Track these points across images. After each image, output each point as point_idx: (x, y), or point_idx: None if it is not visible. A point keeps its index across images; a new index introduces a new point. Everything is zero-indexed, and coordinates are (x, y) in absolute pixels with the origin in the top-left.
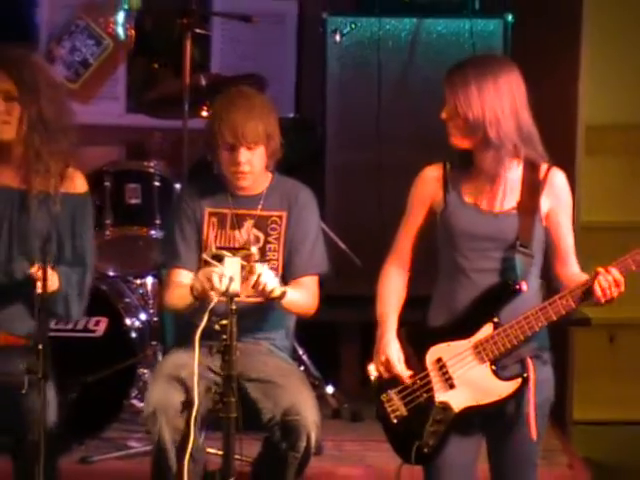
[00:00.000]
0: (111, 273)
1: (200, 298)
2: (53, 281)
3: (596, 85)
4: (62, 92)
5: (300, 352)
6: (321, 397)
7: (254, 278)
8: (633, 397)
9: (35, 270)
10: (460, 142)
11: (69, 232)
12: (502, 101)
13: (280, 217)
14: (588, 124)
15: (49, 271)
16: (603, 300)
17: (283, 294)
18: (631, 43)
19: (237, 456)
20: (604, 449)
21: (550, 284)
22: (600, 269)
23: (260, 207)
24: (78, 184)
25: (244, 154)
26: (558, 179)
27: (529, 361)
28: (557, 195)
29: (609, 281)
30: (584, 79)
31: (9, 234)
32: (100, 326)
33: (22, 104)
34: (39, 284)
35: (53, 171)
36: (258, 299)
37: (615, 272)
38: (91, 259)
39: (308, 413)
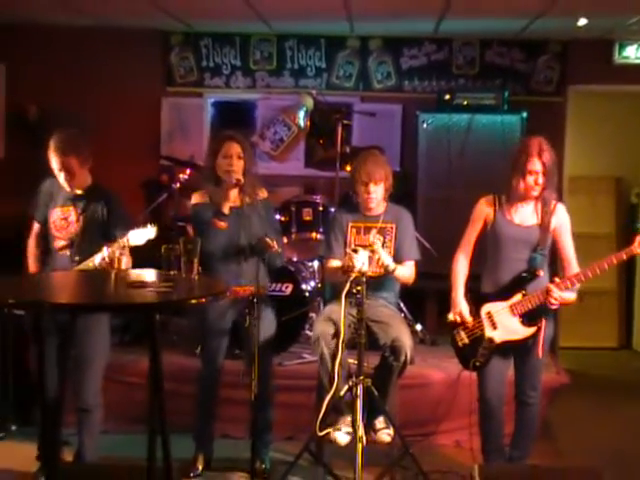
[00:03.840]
0: (295, 259)
1: (345, 273)
2: (277, 246)
3: (573, 154)
4: (254, 154)
5: (402, 305)
6: (413, 331)
7: (376, 256)
8: (593, 334)
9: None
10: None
11: (266, 219)
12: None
13: (392, 227)
14: (569, 175)
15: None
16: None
17: (394, 269)
18: (595, 130)
19: (365, 364)
20: (577, 363)
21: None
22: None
23: (380, 221)
24: (263, 195)
25: (373, 188)
26: (561, 210)
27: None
28: (560, 219)
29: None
30: (567, 150)
31: (237, 227)
32: (288, 289)
33: (244, 161)
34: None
35: (252, 193)
36: (379, 273)
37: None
38: (281, 232)
39: (406, 340)
